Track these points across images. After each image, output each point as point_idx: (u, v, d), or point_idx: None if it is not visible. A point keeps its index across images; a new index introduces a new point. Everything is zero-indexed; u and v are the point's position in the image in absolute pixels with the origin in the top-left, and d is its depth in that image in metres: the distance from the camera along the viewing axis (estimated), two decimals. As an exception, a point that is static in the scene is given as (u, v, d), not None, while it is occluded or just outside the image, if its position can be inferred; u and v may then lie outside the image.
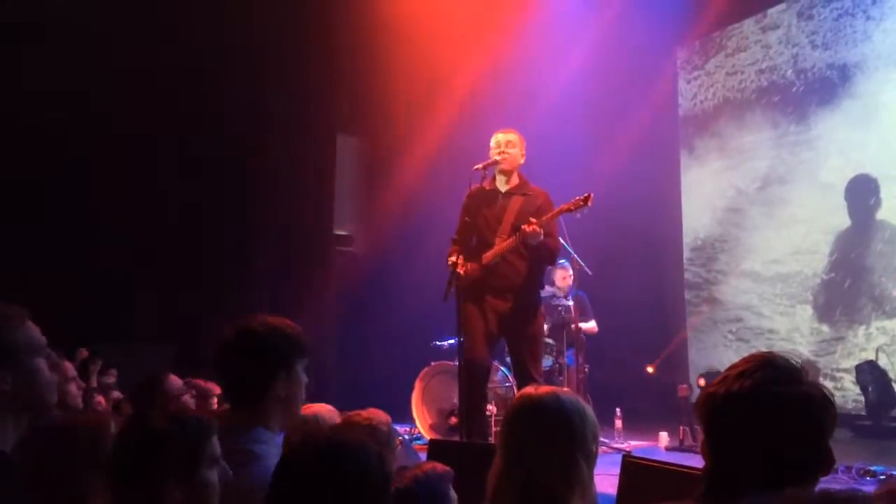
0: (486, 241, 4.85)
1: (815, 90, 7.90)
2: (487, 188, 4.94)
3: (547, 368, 6.59)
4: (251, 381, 2.08)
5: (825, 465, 1.42)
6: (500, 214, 4.87)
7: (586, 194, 4.67)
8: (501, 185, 4.96)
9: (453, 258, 4.80)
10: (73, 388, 3.45)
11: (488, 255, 4.80)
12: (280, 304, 7.10)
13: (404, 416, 6.76)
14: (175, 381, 3.49)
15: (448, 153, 7.72)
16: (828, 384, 7.17)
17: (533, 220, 4.62)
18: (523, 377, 4.80)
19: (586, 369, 6.80)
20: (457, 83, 8.05)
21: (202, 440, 1.72)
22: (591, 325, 7.03)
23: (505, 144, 4.90)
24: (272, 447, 2.02)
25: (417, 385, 6.81)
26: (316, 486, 1.47)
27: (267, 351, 2.09)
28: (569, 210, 4.71)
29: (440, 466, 2.11)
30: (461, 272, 4.73)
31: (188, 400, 3.51)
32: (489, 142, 5.02)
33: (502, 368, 6.95)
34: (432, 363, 6.89)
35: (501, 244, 4.79)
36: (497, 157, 4.87)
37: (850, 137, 7.53)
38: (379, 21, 8.09)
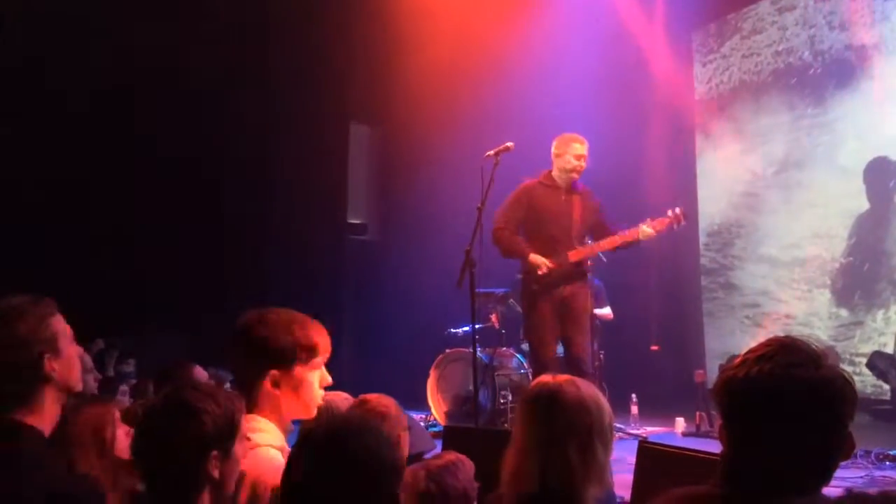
0: (555, 238, 5.13)
1: (832, 72, 7.80)
2: (547, 184, 5.23)
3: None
4: (253, 370, 2.12)
5: (846, 450, 1.40)
6: (569, 212, 5.17)
7: (681, 211, 5.08)
8: (562, 182, 5.24)
9: (539, 259, 5.04)
10: (91, 381, 3.49)
11: (576, 254, 5.12)
12: (294, 293, 7.11)
13: (420, 403, 6.77)
14: (200, 372, 3.51)
15: (461, 140, 7.68)
16: (846, 369, 7.08)
17: (651, 228, 5.04)
18: (578, 368, 4.97)
19: (602, 356, 6.78)
20: (470, 69, 8.01)
21: (237, 416, 1.77)
22: (606, 312, 7.00)
23: (584, 159, 5.21)
24: (267, 436, 2.04)
25: (433, 373, 6.82)
26: (325, 471, 1.48)
27: (270, 342, 2.11)
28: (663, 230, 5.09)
29: (465, 458, 2.13)
30: (550, 267, 5.02)
31: None
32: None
33: (517, 355, 6.95)
34: (447, 351, 6.89)
35: (602, 244, 5.16)
36: (577, 161, 5.18)
37: (868, 119, 7.44)
38: (391, 8, 8.06)
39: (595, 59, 8.15)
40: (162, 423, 1.71)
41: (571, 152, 5.19)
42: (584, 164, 5.21)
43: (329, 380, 2.23)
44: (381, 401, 2.62)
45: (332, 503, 1.48)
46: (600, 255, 6.57)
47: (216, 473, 1.70)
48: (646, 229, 5.05)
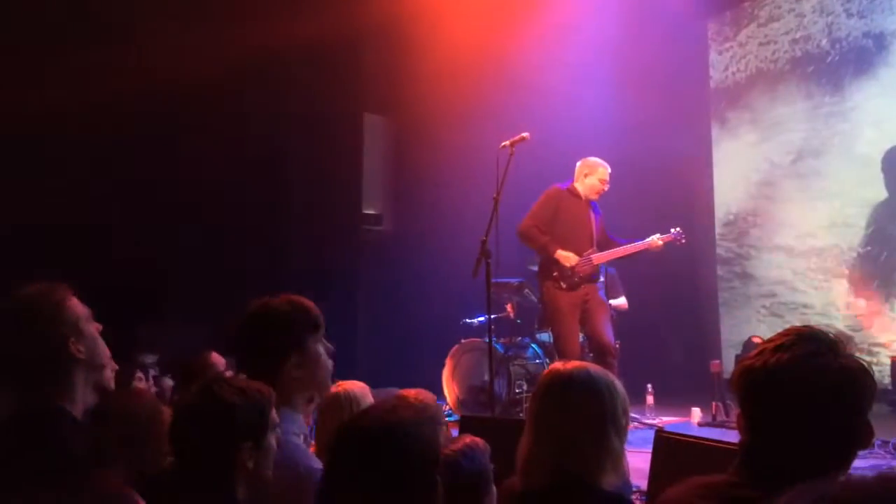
0: (578, 246, 5.64)
1: (850, 60, 7.73)
2: (573, 194, 5.74)
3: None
4: (263, 360, 2.11)
5: (864, 439, 1.40)
6: (589, 223, 5.74)
7: (679, 231, 5.80)
8: (583, 196, 5.76)
9: (565, 253, 5.54)
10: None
11: (600, 258, 5.71)
12: (309, 284, 7.09)
13: (435, 392, 6.77)
14: (218, 358, 3.53)
15: (476, 130, 7.67)
16: (864, 358, 7.01)
17: (661, 241, 5.72)
18: (606, 354, 5.55)
19: (617, 345, 6.77)
20: (484, 58, 7.98)
21: (267, 409, 1.82)
22: (621, 302, 6.99)
23: (608, 184, 5.77)
24: (292, 425, 2.04)
25: (448, 362, 6.83)
26: (371, 463, 1.48)
27: (277, 330, 2.12)
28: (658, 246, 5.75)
29: (479, 440, 2.13)
30: (577, 261, 5.57)
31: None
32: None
33: (532, 345, 6.95)
34: (462, 340, 6.90)
35: (628, 249, 5.76)
36: (602, 185, 5.76)
37: (886, 108, 7.37)
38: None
39: (610, 49, 8.10)
40: (195, 420, 1.77)
41: (598, 176, 5.74)
42: (607, 187, 5.78)
43: (331, 346, 2.22)
44: (419, 396, 2.62)
45: (381, 496, 1.48)
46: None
47: (250, 465, 1.75)
48: (658, 241, 5.71)
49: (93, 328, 2.04)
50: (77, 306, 2.03)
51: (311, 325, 2.18)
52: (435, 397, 2.68)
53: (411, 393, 2.65)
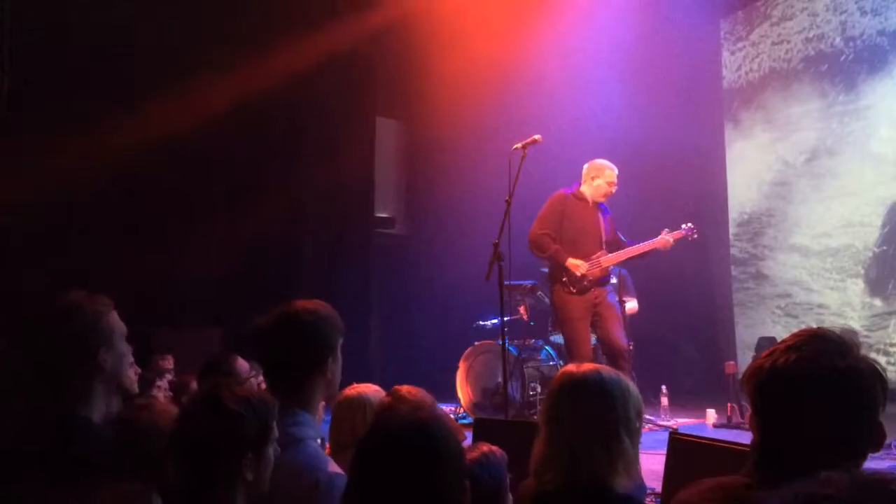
0: (587, 250, 5.60)
1: (864, 58, 7.68)
2: (579, 198, 5.70)
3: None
4: (298, 367, 2.10)
5: (876, 440, 1.39)
6: (598, 226, 5.70)
7: (690, 226, 5.72)
8: (590, 200, 5.72)
9: (575, 261, 5.51)
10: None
11: (609, 260, 5.65)
12: (323, 287, 7.15)
13: (449, 395, 6.80)
14: (243, 363, 3.52)
15: (488, 133, 7.68)
16: (880, 359, 6.98)
17: (672, 238, 5.64)
18: (618, 356, 5.49)
19: (630, 347, 6.76)
20: (496, 61, 7.99)
21: (271, 420, 1.80)
22: (632, 306, 6.95)
23: (615, 186, 5.71)
24: (310, 430, 2.05)
25: (461, 365, 6.83)
26: (405, 461, 1.47)
27: (315, 338, 2.12)
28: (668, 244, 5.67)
29: (497, 449, 2.12)
30: (588, 268, 5.54)
31: (253, 382, 3.52)
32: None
33: (546, 347, 6.95)
34: (476, 343, 6.90)
35: (637, 249, 5.67)
36: (610, 188, 5.70)
37: (901, 106, 7.31)
38: (416, 2, 8.05)
39: (622, 49, 8.09)
40: (199, 424, 1.74)
41: (606, 178, 5.69)
42: (615, 189, 5.72)
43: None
44: (412, 392, 2.61)
45: (415, 495, 1.47)
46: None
47: (249, 476, 1.74)
48: (669, 239, 5.64)
49: (125, 346, 2.08)
50: (116, 321, 2.07)
51: (341, 332, 2.19)
52: (428, 394, 2.66)
53: (403, 389, 2.65)
